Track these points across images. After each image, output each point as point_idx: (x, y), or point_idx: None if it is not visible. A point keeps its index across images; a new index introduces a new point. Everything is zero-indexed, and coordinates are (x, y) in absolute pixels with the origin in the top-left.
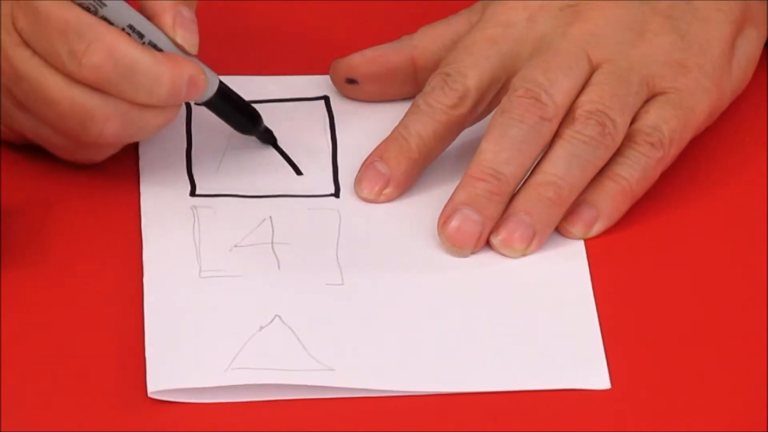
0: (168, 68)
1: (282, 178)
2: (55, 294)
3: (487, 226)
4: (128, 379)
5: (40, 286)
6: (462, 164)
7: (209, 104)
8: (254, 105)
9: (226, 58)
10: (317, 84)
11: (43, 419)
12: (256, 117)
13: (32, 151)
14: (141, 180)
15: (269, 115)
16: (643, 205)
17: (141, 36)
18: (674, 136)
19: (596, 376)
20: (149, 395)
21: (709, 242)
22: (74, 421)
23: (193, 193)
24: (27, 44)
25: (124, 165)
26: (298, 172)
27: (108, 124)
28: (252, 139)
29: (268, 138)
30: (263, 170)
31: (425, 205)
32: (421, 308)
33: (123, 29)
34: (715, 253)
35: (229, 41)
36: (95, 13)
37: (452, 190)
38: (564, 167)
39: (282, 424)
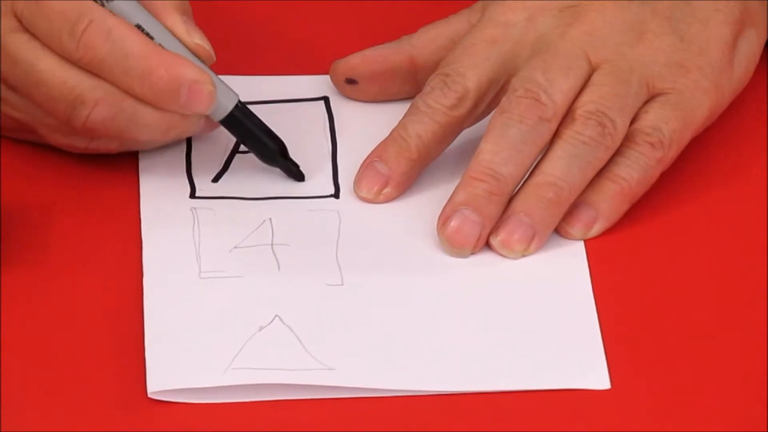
0: (165, 62)
1: (281, 180)
2: (55, 294)
3: (487, 227)
4: (128, 379)
5: (40, 286)
6: (461, 164)
7: (225, 123)
8: (254, 105)
9: (226, 58)
10: (317, 84)
11: (43, 419)
12: (279, 146)
13: (32, 151)
14: (141, 182)
15: (269, 115)
16: (643, 206)
17: (150, 38)
18: (674, 137)
19: (596, 376)
20: (149, 395)
21: (709, 242)
22: (74, 421)
23: (192, 195)
24: (25, 28)
25: (124, 166)
26: (301, 179)
27: (97, 108)
28: None
29: (293, 173)
30: (263, 172)
31: (425, 205)
32: (420, 308)
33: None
34: (715, 253)
35: (229, 41)
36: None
37: (452, 191)
38: (563, 168)
39: (282, 424)
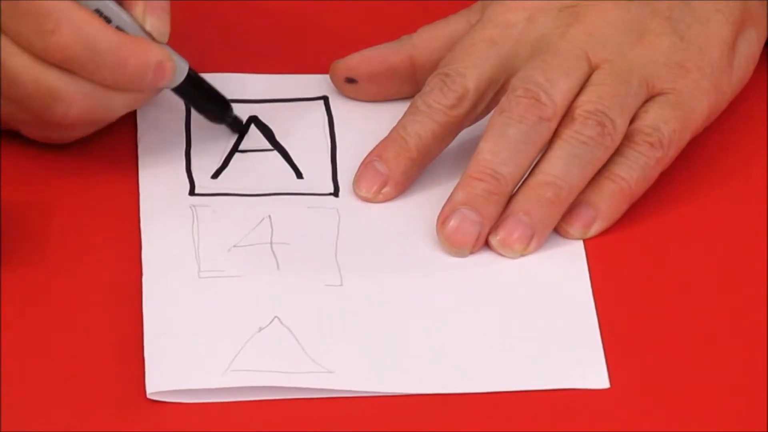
0: (134, 51)
1: (281, 177)
2: (54, 294)
3: (486, 226)
4: (127, 379)
5: (40, 286)
6: (461, 164)
7: (179, 91)
8: (254, 105)
9: (225, 58)
10: (317, 84)
11: (43, 419)
12: (225, 104)
13: (32, 151)
14: (140, 179)
15: (269, 115)
16: (643, 205)
17: (108, 20)
18: (673, 137)
19: (595, 376)
20: (148, 396)
21: (709, 242)
22: (74, 421)
23: (192, 192)
24: None
25: (123, 165)
26: (299, 175)
27: (74, 104)
28: (250, 138)
29: (237, 126)
30: (262, 169)
31: (424, 205)
32: (420, 309)
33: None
34: (714, 253)
35: (228, 41)
36: None
37: (451, 190)
38: (563, 167)
39: (282, 424)
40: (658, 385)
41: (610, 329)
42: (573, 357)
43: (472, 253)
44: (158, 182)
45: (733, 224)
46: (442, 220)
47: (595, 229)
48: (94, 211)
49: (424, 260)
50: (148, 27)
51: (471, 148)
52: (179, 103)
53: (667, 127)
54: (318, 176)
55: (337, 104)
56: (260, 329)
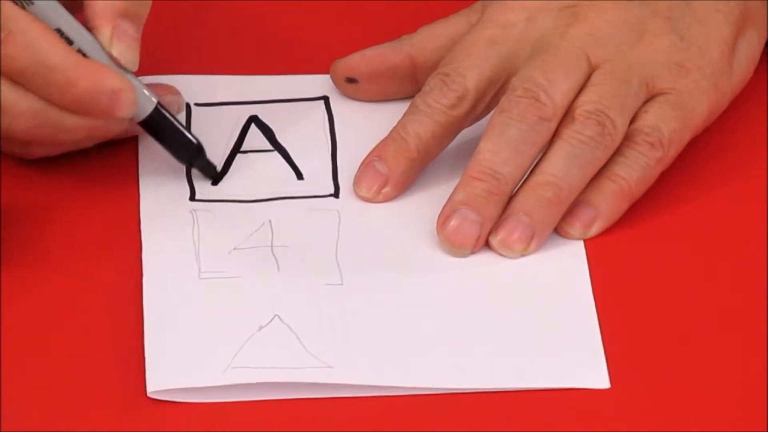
0: (87, 73)
1: (281, 180)
2: (55, 294)
3: (486, 226)
4: (128, 379)
5: (39, 286)
6: (461, 164)
7: (144, 125)
8: (254, 105)
9: (225, 58)
10: (317, 84)
11: (43, 419)
12: (197, 149)
13: None
14: (140, 184)
15: (269, 116)
16: (643, 205)
17: (70, 42)
18: (673, 137)
19: (596, 376)
20: (148, 395)
21: (709, 242)
22: (74, 421)
23: (192, 198)
24: None
25: (124, 167)
26: (300, 176)
27: (19, 118)
28: (253, 139)
29: (210, 172)
30: (262, 171)
31: (424, 205)
32: (420, 308)
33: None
34: (714, 253)
35: (229, 41)
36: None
37: (451, 190)
38: (563, 167)
39: (282, 424)
40: (658, 385)
41: (610, 329)
42: (573, 357)
43: (472, 253)
44: (158, 188)
45: (733, 224)
46: (443, 220)
47: (595, 229)
48: (94, 214)
49: (425, 260)
50: (115, 53)
51: (471, 148)
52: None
53: (667, 127)
54: (318, 176)
55: (338, 104)
56: (260, 328)
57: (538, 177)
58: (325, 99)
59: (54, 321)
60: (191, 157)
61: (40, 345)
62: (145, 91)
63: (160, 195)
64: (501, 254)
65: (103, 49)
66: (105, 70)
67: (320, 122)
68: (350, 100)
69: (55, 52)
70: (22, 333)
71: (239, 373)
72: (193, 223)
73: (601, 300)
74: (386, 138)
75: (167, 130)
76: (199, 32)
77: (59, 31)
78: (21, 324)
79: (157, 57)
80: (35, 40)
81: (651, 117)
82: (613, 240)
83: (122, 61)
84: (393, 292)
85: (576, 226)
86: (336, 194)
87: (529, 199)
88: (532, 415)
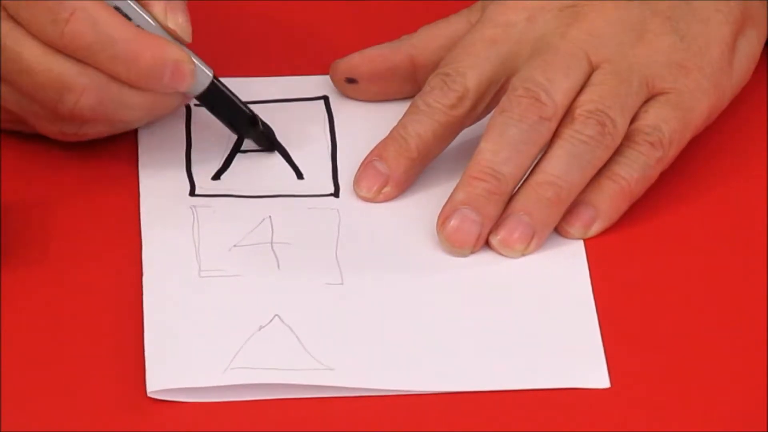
0: (150, 46)
1: (281, 178)
2: (55, 294)
3: (486, 226)
4: (128, 378)
5: (40, 285)
6: (461, 164)
7: (202, 99)
8: (254, 105)
9: (225, 59)
10: (317, 84)
11: (43, 419)
12: (252, 118)
13: (32, 150)
14: (140, 180)
15: (269, 115)
16: (643, 205)
17: (128, 18)
18: (674, 137)
19: (596, 376)
20: (148, 395)
21: (709, 242)
22: (74, 421)
23: (192, 193)
24: (10, 16)
25: (124, 165)
26: (300, 176)
27: (84, 95)
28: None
29: (265, 142)
30: (263, 170)
31: (425, 204)
32: (420, 308)
33: None
34: (714, 253)
35: (228, 42)
36: None
37: (451, 190)
38: (563, 167)
39: (282, 424)
40: (658, 385)
41: (610, 329)
42: (573, 357)
43: (472, 252)
44: (158, 183)
45: (733, 224)
46: (443, 219)
47: (595, 228)
48: (94, 211)
49: (425, 260)
50: (171, 25)
51: (471, 148)
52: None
53: (668, 126)
54: (318, 176)
55: (338, 104)
56: (261, 328)
57: (539, 177)
58: (325, 99)
59: (54, 321)
60: (246, 127)
61: (40, 345)
62: (201, 65)
63: (160, 191)
64: (501, 254)
65: (158, 22)
66: (165, 42)
67: (320, 122)
68: (350, 100)
69: (117, 27)
70: (22, 333)
71: (239, 373)
72: (193, 219)
73: (601, 300)
74: (386, 138)
75: (223, 102)
76: (199, 32)
77: (117, 9)
78: (21, 324)
79: None
80: (99, 17)
81: (651, 117)
82: (613, 240)
83: (179, 32)
84: (393, 292)
85: (576, 226)
86: (336, 194)
87: (529, 199)
88: (532, 415)
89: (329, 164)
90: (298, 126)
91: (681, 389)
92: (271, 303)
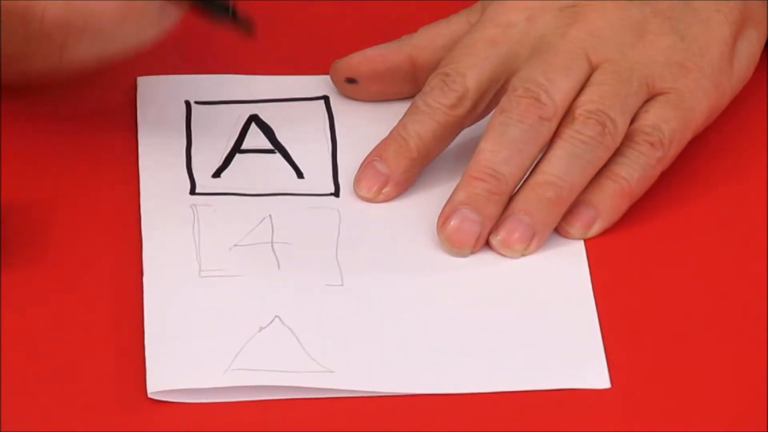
0: None
1: (282, 177)
2: (55, 294)
3: (487, 226)
4: (128, 379)
5: (40, 285)
6: (461, 164)
7: None
8: (254, 105)
9: (226, 58)
10: (317, 84)
11: (43, 419)
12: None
13: (32, 150)
14: (141, 178)
15: (269, 115)
16: (643, 205)
17: None
18: (674, 136)
19: (596, 376)
20: (149, 395)
21: (709, 242)
22: (74, 421)
23: (192, 192)
24: None
25: (124, 164)
26: (300, 175)
27: (49, 5)
28: (253, 138)
29: (244, 27)
30: (263, 169)
31: (425, 205)
32: (420, 309)
33: None
34: (714, 253)
35: (229, 41)
36: None
37: (451, 190)
38: (563, 167)
39: (282, 424)
40: (658, 385)
41: (610, 329)
42: (574, 357)
43: (472, 252)
44: (159, 181)
45: (733, 224)
46: (443, 220)
47: (595, 228)
48: (94, 211)
49: (425, 260)
50: None
51: (471, 148)
52: (180, 103)
53: (668, 126)
54: (318, 176)
55: (338, 104)
56: (261, 329)
57: (539, 177)
58: (325, 99)
59: (54, 320)
60: (227, 11)
61: (40, 344)
62: None
63: (160, 190)
64: (501, 254)
65: None
66: None
67: (320, 122)
68: (350, 100)
69: None
70: (22, 332)
71: (240, 375)
72: (194, 219)
73: (601, 300)
74: (386, 138)
75: None
76: (199, 32)
77: None
78: (21, 323)
79: (157, 56)
80: None
81: (651, 117)
82: (613, 240)
83: None
84: (393, 292)
85: (576, 226)
86: (336, 194)
87: (529, 199)
88: (532, 415)
89: (329, 164)
90: (298, 126)
91: (681, 389)
92: (272, 304)
